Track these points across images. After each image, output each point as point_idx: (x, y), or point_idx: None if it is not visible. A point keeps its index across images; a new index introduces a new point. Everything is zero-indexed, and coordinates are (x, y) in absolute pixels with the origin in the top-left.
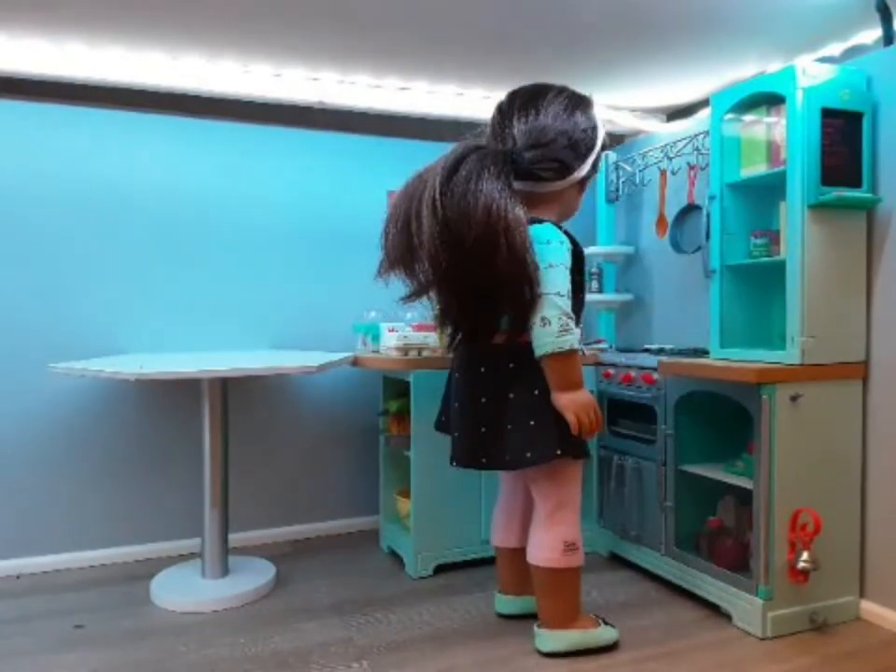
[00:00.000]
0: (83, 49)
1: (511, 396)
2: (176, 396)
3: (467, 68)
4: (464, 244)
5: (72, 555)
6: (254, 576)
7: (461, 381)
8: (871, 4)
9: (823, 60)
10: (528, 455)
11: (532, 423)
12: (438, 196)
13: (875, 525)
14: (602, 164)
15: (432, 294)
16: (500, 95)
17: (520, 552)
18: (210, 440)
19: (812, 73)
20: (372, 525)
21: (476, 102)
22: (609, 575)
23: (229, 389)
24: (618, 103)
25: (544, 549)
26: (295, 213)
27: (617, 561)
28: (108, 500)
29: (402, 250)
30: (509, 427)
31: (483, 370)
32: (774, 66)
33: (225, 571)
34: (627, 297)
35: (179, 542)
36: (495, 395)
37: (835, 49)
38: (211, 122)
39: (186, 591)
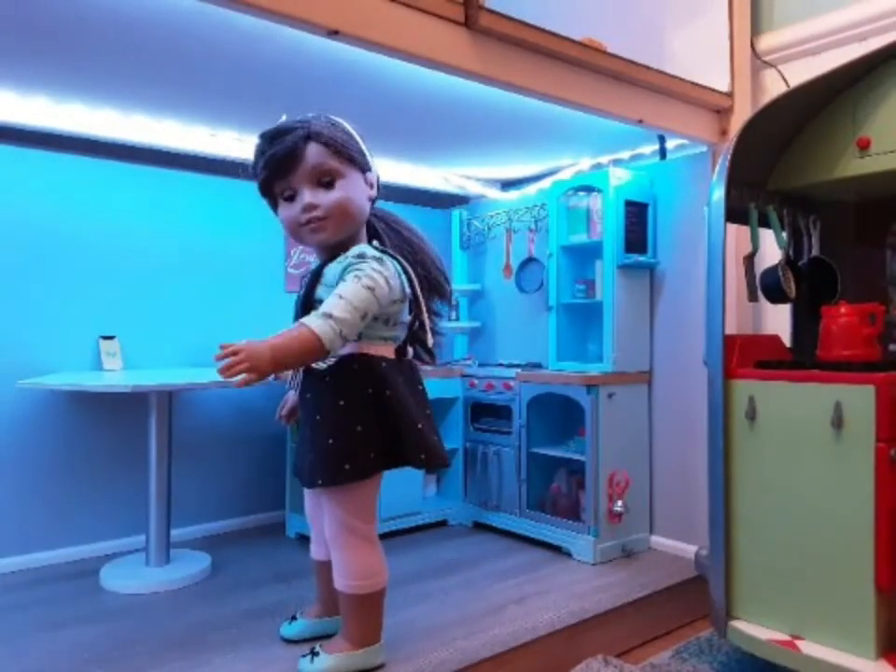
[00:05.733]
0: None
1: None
2: (119, 409)
3: None
4: None
5: (22, 558)
6: (192, 563)
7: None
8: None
9: (617, 161)
10: None
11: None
12: None
13: (658, 481)
14: (456, 219)
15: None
16: None
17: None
18: (157, 446)
19: (618, 175)
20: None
21: None
22: (475, 537)
23: (173, 403)
24: (468, 173)
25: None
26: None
27: (480, 527)
28: (54, 504)
29: None
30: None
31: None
32: (584, 160)
33: (167, 560)
34: (476, 324)
35: (124, 540)
36: None
37: (625, 154)
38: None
39: (132, 576)
